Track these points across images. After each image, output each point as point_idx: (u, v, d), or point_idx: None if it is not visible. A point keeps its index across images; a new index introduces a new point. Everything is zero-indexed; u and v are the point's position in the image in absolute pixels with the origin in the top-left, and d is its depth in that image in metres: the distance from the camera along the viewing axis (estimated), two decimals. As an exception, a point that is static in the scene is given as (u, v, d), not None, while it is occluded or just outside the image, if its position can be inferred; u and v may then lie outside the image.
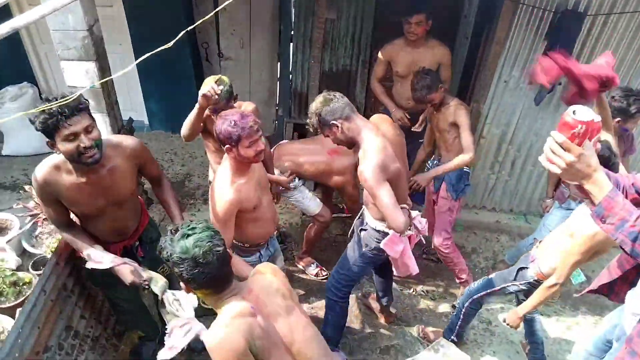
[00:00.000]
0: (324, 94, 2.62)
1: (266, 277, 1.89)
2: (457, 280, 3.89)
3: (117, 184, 2.38)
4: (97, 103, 3.58)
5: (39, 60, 5.59)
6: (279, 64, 5.41)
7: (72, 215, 2.50)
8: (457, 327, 3.29)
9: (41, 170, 2.24)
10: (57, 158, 2.25)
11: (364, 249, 2.94)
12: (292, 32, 5.00)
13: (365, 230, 2.93)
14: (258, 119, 3.32)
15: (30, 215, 3.37)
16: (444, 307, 3.93)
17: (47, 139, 2.12)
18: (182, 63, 5.23)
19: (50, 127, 2.04)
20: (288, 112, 5.33)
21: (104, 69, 3.40)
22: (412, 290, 4.05)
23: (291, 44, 4.98)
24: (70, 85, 3.41)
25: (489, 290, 3.08)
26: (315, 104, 2.62)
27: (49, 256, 3.11)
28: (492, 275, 3.15)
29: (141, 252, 2.75)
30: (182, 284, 1.73)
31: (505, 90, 3.89)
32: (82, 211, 2.40)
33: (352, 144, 2.65)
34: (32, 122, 2.06)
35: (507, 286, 2.98)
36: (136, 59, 5.32)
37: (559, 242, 2.71)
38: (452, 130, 3.41)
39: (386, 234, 2.77)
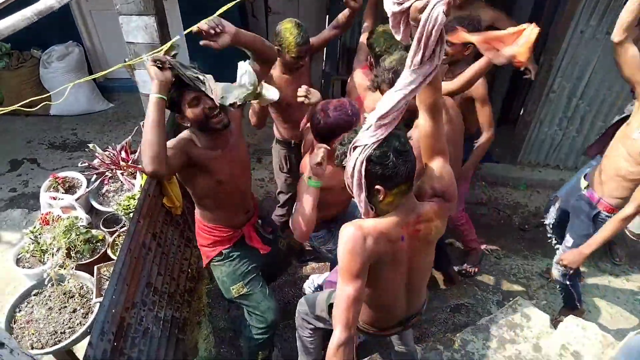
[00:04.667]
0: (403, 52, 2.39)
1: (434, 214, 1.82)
2: (466, 248, 3.78)
3: (240, 144, 2.42)
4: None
5: (84, 19, 5.50)
6: (327, 17, 5.22)
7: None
8: (576, 297, 3.21)
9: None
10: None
11: None
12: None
13: None
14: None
15: (97, 174, 3.35)
16: (508, 265, 3.85)
17: (177, 114, 2.16)
18: (228, 19, 5.08)
19: (175, 96, 2.06)
20: (336, 68, 5.19)
21: (162, 24, 3.29)
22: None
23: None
24: (128, 42, 3.32)
25: None
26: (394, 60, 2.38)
27: (119, 213, 3.11)
28: (569, 243, 2.99)
29: (268, 228, 2.79)
30: (378, 190, 1.65)
31: (580, 41, 3.67)
32: (219, 178, 2.31)
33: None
34: None
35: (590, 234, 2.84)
36: (181, 12, 5.10)
37: (616, 172, 2.60)
38: None
39: None
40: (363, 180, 1.63)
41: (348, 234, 1.64)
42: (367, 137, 1.58)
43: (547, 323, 2.95)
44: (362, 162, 1.60)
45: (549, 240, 3.51)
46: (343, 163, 1.70)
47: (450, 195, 1.82)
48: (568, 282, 3.10)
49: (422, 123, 1.75)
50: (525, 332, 2.90)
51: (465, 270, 3.69)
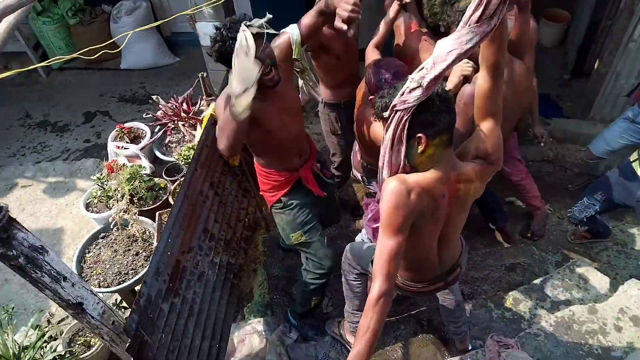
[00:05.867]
0: None
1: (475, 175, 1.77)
2: (528, 207, 3.57)
3: (288, 90, 2.40)
4: (217, 12, 3.55)
5: (151, -27, 5.62)
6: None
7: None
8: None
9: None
10: None
11: None
12: None
13: None
14: None
15: (160, 125, 3.49)
16: (571, 226, 3.68)
17: (227, 68, 2.10)
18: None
19: (226, 54, 2.05)
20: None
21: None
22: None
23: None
24: (191, -6, 3.39)
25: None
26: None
27: (180, 163, 3.24)
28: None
29: (327, 172, 2.81)
30: (420, 138, 1.62)
31: (670, -20, 3.33)
32: (268, 128, 2.33)
33: None
34: (210, 55, 2.12)
35: None
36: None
37: None
38: None
39: None
40: (405, 132, 1.61)
41: (392, 187, 1.61)
42: (414, 98, 1.54)
43: (607, 286, 2.84)
44: (406, 120, 1.58)
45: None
46: (383, 115, 1.67)
47: (495, 159, 1.76)
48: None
49: (481, 82, 1.68)
50: (582, 294, 2.81)
51: (533, 234, 3.56)
